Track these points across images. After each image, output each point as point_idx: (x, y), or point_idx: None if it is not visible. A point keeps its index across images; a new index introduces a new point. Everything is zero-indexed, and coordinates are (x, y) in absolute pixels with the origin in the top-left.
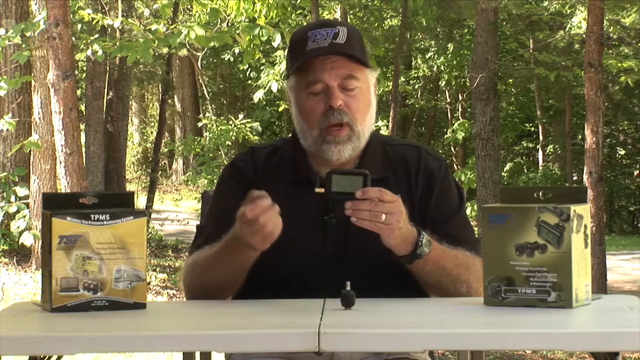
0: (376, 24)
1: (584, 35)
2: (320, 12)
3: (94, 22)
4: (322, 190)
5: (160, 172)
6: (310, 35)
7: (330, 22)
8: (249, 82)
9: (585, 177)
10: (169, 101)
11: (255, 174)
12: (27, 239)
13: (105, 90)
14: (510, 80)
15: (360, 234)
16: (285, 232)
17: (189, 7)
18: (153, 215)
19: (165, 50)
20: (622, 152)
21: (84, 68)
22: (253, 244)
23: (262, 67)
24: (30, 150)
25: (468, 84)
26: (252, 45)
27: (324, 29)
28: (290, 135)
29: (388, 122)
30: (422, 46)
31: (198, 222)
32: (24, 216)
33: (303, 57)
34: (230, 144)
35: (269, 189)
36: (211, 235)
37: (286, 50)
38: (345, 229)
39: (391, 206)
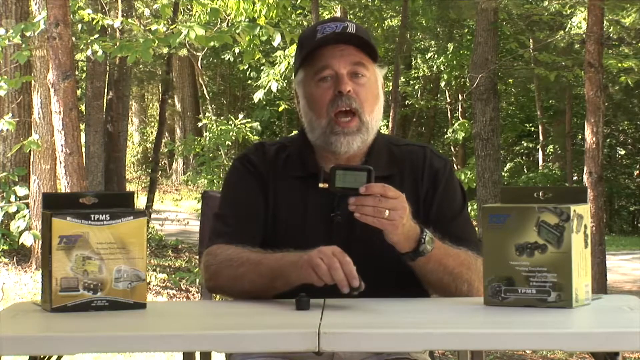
0: (376, 24)
1: (584, 35)
2: (320, 12)
3: (94, 22)
4: (326, 185)
5: (160, 172)
6: (319, 28)
7: (340, 18)
8: (249, 82)
9: (585, 177)
10: (169, 101)
11: (266, 168)
12: (27, 239)
13: (105, 90)
14: (510, 80)
15: (366, 232)
16: (291, 228)
17: (189, 7)
18: (153, 215)
19: (165, 50)
20: (622, 152)
21: (84, 68)
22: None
23: (262, 67)
24: (30, 150)
25: (468, 84)
26: (252, 45)
27: (332, 22)
28: (297, 132)
29: (388, 122)
30: (422, 46)
31: (198, 222)
32: (24, 216)
33: (313, 47)
34: (230, 144)
35: (277, 185)
36: (229, 222)
37: (287, 50)
38: (351, 226)
39: (395, 202)
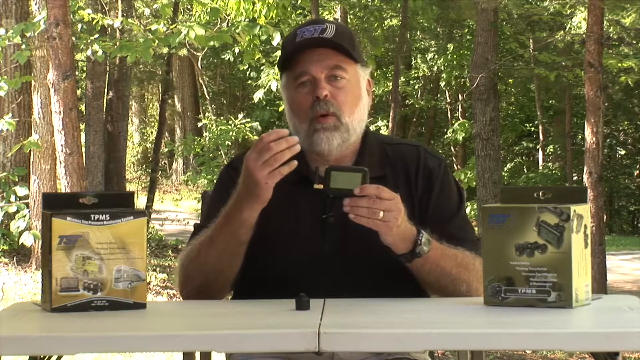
0: (376, 24)
1: (584, 35)
2: (320, 12)
3: (94, 22)
4: (321, 186)
5: (160, 172)
6: (299, 32)
7: (320, 20)
8: (249, 82)
9: (585, 177)
10: (169, 101)
11: None
12: (27, 239)
13: (105, 90)
14: (510, 80)
15: (359, 233)
16: (284, 231)
17: (189, 7)
18: (153, 215)
19: (165, 50)
20: (622, 152)
21: (84, 68)
22: (259, 178)
23: (262, 67)
24: (30, 150)
25: (468, 84)
26: (252, 45)
27: (312, 25)
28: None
29: (388, 122)
30: (422, 46)
31: (197, 222)
32: (24, 216)
33: (291, 52)
34: (230, 144)
35: None
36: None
37: None
38: (344, 228)
39: (389, 203)
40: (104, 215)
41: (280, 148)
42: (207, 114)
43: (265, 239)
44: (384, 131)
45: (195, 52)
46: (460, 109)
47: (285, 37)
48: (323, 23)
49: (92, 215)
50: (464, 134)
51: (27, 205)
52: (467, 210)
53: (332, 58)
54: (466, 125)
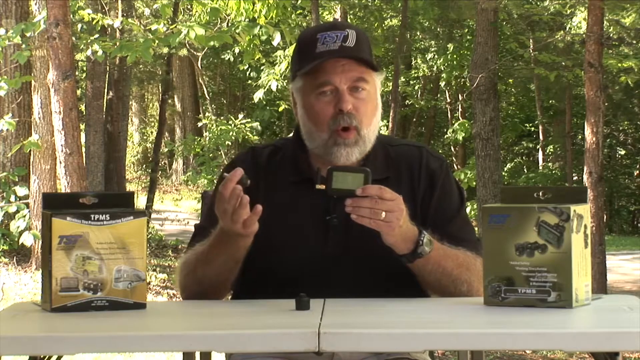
0: (376, 24)
1: (584, 35)
2: (320, 12)
3: (94, 22)
4: (323, 187)
5: (160, 172)
6: (320, 37)
7: (339, 24)
8: (249, 82)
9: (585, 177)
10: (169, 101)
11: (256, 174)
12: (27, 239)
13: (105, 90)
14: (510, 80)
15: (362, 234)
16: (287, 231)
17: (189, 7)
18: (153, 215)
19: (165, 50)
20: (622, 152)
21: (84, 68)
22: (237, 230)
23: (262, 67)
24: (30, 150)
25: (468, 84)
26: (252, 45)
27: (333, 31)
28: (291, 135)
29: (388, 122)
30: (422, 46)
31: (198, 222)
32: (24, 216)
33: (313, 60)
34: (230, 144)
35: (270, 189)
36: (206, 234)
37: (287, 50)
38: (347, 229)
39: (391, 204)
40: (104, 215)
41: (234, 203)
42: (207, 114)
43: (267, 239)
44: (383, 131)
45: (195, 52)
46: (460, 109)
47: (302, 39)
48: (344, 29)
49: (92, 215)
50: (464, 134)
51: (27, 205)
52: (467, 210)
53: (356, 69)
54: (466, 125)
